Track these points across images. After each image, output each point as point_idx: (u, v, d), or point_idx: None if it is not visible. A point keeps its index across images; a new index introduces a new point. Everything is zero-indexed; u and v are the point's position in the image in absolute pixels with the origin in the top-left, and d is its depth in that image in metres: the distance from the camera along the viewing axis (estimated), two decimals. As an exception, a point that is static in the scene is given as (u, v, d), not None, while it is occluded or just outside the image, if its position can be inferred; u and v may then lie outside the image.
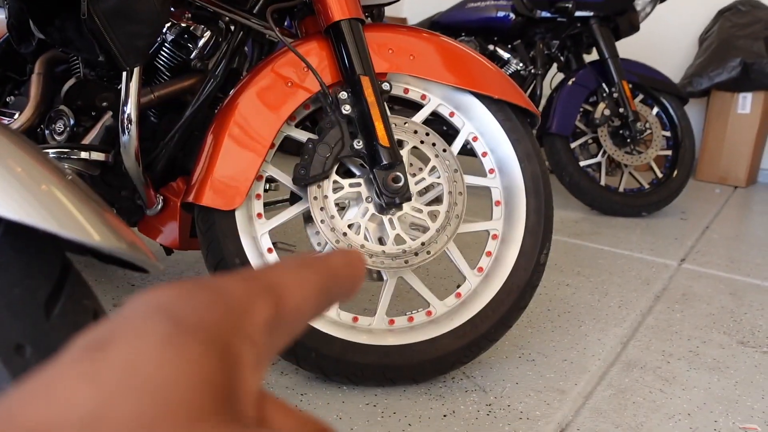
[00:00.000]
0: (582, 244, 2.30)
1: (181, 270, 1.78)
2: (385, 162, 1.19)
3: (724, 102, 3.49)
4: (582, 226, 2.54)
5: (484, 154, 1.34)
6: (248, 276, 0.20)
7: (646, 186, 2.82)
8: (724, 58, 3.38)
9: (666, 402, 1.26)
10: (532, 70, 2.79)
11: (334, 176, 1.22)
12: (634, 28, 2.81)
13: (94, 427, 0.14)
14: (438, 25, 3.05)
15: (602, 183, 2.73)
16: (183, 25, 1.38)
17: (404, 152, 1.24)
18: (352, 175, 1.28)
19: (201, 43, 1.40)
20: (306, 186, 1.21)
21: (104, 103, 1.31)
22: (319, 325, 1.20)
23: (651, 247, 2.29)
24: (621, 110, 2.67)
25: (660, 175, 2.85)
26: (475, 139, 1.33)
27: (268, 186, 1.35)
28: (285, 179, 1.25)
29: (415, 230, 1.27)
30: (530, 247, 1.29)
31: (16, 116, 1.37)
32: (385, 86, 1.25)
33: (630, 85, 2.70)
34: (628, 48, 3.06)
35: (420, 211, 1.25)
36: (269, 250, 1.23)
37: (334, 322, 1.23)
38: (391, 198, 1.20)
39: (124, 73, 1.18)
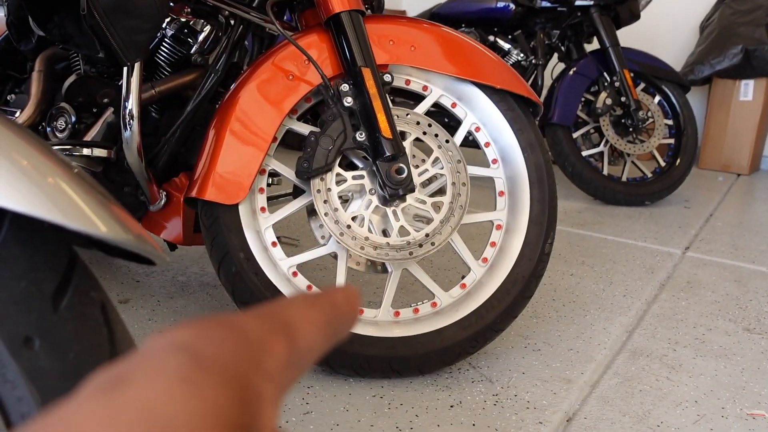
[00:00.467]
0: (586, 233, 2.30)
1: (185, 266, 1.78)
2: (387, 154, 1.19)
3: (726, 89, 3.47)
4: (585, 216, 2.53)
5: (487, 145, 1.33)
6: (263, 314, 0.20)
7: (649, 175, 2.81)
8: (725, 46, 3.36)
9: (673, 389, 1.26)
10: (533, 61, 2.78)
11: (337, 169, 1.22)
12: (634, 16, 2.80)
13: None
14: (438, 16, 3.04)
15: (605, 172, 2.73)
16: (183, 19, 1.38)
17: (407, 144, 1.24)
18: (355, 167, 1.28)
19: (201, 37, 1.39)
20: (309, 179, 1.20)
21: (105, 100, 1.31)
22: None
23: (655, 236, 2.28)
24: (623, 99, 2.66)
25: (663, 163, 2.84)
26: (477, 129, 1.33)
27: (271, 180, 1.35)
28: (288, 173, 1.25)
29: (419, 222, 1.26)
30: (535, 237, 1.29)
31: (17, 114, 1.37)
32: (387, 78, 1.24)
33: (631, 74, 2.69)
34: (629, 36, 3.05)
35: (423, 202, 1.24)
36: (273, 244, 1.23)
37: (340, 315, 1.22)
38: (395, 189, 1.20)
39: (125, 69, 1.18)
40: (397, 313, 1.25)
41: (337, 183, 1.22)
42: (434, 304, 1.27)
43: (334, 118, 1.21)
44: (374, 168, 1.21)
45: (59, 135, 1.31)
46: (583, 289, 1.77)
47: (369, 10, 1.58)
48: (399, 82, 1.30)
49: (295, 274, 1.23)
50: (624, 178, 2.76)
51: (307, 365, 0.21)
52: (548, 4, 2.73)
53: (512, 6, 2.79)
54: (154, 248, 0.42)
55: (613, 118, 2.73)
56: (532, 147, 1.31)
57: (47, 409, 0.16)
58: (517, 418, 1.14)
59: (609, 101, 2.67)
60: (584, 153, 2.71)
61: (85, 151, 1.27)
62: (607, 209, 2.66)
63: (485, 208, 1.31)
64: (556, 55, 2.93)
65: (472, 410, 1.16)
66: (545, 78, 2.83)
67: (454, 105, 1.32)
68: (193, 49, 1.39)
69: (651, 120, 2.71)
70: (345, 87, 1.21)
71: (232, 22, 1.38)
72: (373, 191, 1.24)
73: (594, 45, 2.75)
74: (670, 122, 2.83)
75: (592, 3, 2.65)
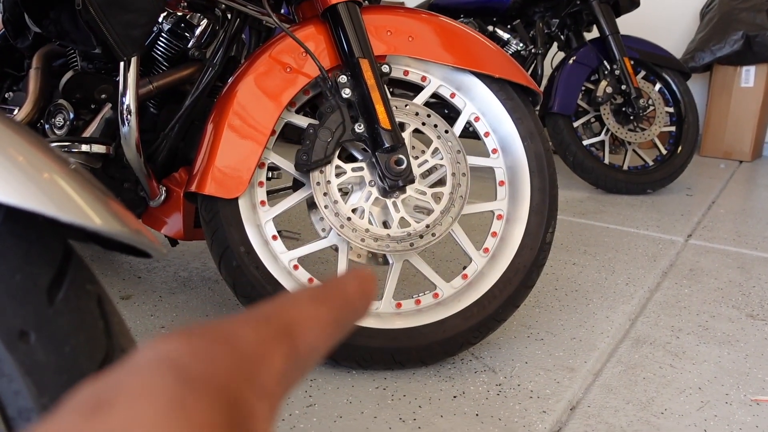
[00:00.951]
0: (587, 222, 2.29)
1: (187, 261, 1.78)
2: (387, 145, 1.18)
3: (727, 76, 3.46)
4: (587, 205, 2.53)
5: (487, 134, 1.33)
6: (262, 317, 0.19)
7: (651, 163, 2.80)
8: (726, 32, 3.34)
9: (676, 377, 1.26)
10: (533, 50, 2.77)
11: (337, 161, 1.22)
12: (634, 3, 2.79)
13: None
14: (437, 7, 3.02)
15: (606, 161, 2.72)
16: (179, 14, 1.37)
17: (406, 135, 1.24)
18: (354, 159, 1.27)
19: (198, 31, 1.39)
20: (308, 172, 1.20)
21: (103, 95, 1.31)
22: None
23: (657, 224, 2.28)
24: (623, 87, 2.65)
25: (664, 151, 2.83)
26: (477, 119, 1.32)
27: (271, 174, 1.35)
28: (287, 166, 1.24)
29: (419, 213, 1.26)
30: (536, 227, 1.28)
31: (15, 112, 1.37)
32: (385, 69, 1.24)
33: (632, 62, 2.68)
34: (628, 24, 3.03)
35: (424, 193, 1.24)
36: (274, 238, 1.23)
37: (342, 308, 1.22)
38: (394, 181, 1.19)
39: (122, 64, 1.17)
40: (399, 305, 1.25)
41: (337, 175, 1.22)
42: (436, 295, 1.27)
43: (333, 110, 1.21)
44: (374, 159, 1.21)
45: (58, 132, 1.31)
46: (586, 278, 1.76)
47: (366, 1, 1.58)
48: (397, 73, 1.29)
49: (296, 267, 1.23)
50: (625, 167, 2.75)
51: (310, 367, 0.20)
52: (547, -7, 2.71)
53: (511, -5, 2.77)
54: (151, 241, 0.42)
55: (613, 106, 2.72)
56: (532, 136, 1.30)
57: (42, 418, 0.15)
58: (521, 408, 1.14)
59: (609, 90, 2.65)
60: (585, 142, 2.70)
61: (84, 148, 1.27)
62: (609, 198, 2.65)
63: (486, 199, 1.31)
64: (555, 44, 2.91)
65: (475, 400, 1.16)
66: (545, 67, 2.82)
67: (453, 95, 1.32)
68: (190, 43, 1.38)
69: (652, 108, 2.70)
70: (343, 79, 1.21)
71: (229, 15, 1.37)
72: (372, 183, 1.23)
73: (594, 33, 2.74)
74: (671, 110, 2.82)
75: (591, -9, 2.64)
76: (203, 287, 1.62)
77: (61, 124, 1.32)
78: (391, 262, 1.26)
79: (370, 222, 1.22)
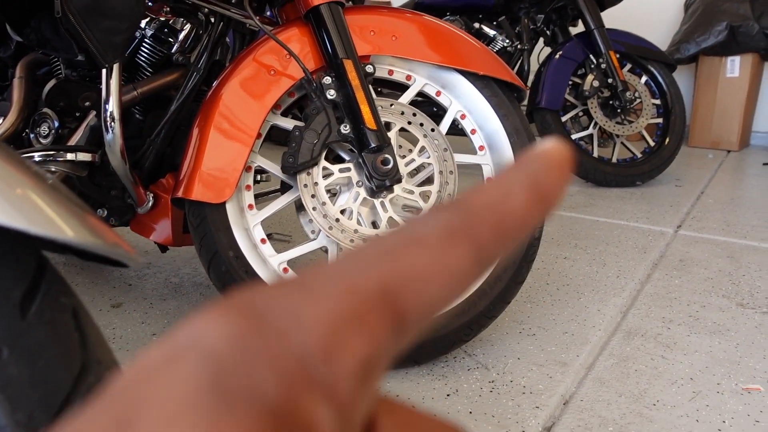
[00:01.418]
0: (578, 216, 2.30)
1: (178, 267, 1.77)
2: (373, 145, 1.18)
3: (713, 66, 3.47)
4: (577, 199, 2.53)
5: (473, 132, 1.33)
6: (355, 276, 0.13)
7: (639, 155, 2.81)
8: (710, 23, 3.36)
9: (668, 368, 1.26)
10: (519, 46, 2.77)
11: (324, 162, 1.22)
12: (618, -3, 2.79)
13: None
14: (423, 5, 3.02)
15: (595, 155, 2.73)
16: (162, 19, 1.37)
17: (392, 134, 1.23)
18: (341, 160, 1.27)
19: (182, 36, 1.38)
20: (295, 174, 1.20)
21: (87, 103, 1.30)
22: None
23: (647, 216, 2.29)
24: (610, 81, 2.66)
25: (652, 143, 2.84)
26: (463, 116, 1.32)
27: (259, 177, 1.34)
28: (274, 168, 1.24)
29: (408, 212, 1.26)
30: (524, 222, 1.28)
31: (0, 122, 1.36)
32: (369, 69, 1.24)
33: (617, 55, 2.68)
34: (613, 18, 3.04)
35: (411, 192, 1.24)
36: (263, 241, 1.23)
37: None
38: (382, 180, 1.19)
39: (104, 71, 1.17)
40: (390, 305, 1.25)
41: (324, 176, 1.22)
42: (427, 294, 1.26)
43: (318, 112, 1.21)
44: (360, 160, 1.21)
45: (43, 141, 1.30)
46: (577, 271, 1.77)
47: (350, 1, 1.58)
48: (382, 73, 1.29)
49: (285, 270, 1.23)
50: (614, 160, 2.76)
51: (416, 335, 0.14)
52: (531, -11, 2.72)
53: (495, -8, 2.77)
54: (127, 252, 0.41)
55: (601, 100, 2.73)
56: (518, 132, 1.30)
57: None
58: (514, 404, 1.15)
59: (596, 83, 2.66)
60: (574, 136, 2.71)
61: (69, 156, 1.26)
62: (599, 191, 2.66)
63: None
64: (541, 39, 2.92)
65: (468, 398, 1.17)
66: (532, 63, 2.82)
67: (438, 93, 1.32)
68: (174, 48, 1.38)
69: (638, 100, 2.71)
70: (327, 80, 1.20)
71: (213, 19, 1.37)
72: (360, 183, 1.23)
73: (579, 28, 2.74)
74: (658, 102, 2.83)
75: (575, -15, 2.64)
76: (195, 293, 1.61)
77: (46, 133, 1.31)
78: (380, 262, 1.25)
79: (359, 222, 1.22)
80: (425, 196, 1.24)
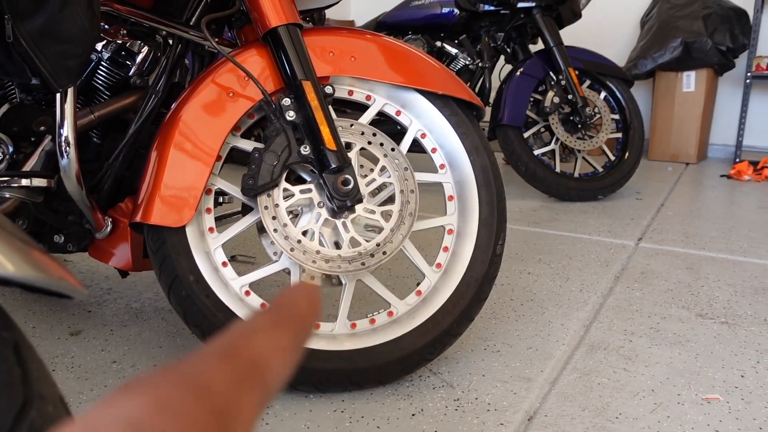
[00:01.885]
0: (541, 231, 2.32)
1: (139, 292, 1.74)
2: (333, 166, 1.18)
3: (669, 82, 3.57)
4: (540, 214, 2.56)
5: (434, 150, 1.34)
6: (227, 352, 0.17)
7: (600, 169, 2.87)
8: (665, 39, 3.46)
9: (630, 380, 1.28)
10: (480, 64, 2.81)
11: (284, 184, 1.21)
12: (576, 15, 2.86)
13: None
14: (384, 25, 3.06)
15: (557, 170, 2.77)
16: (119, 41, 1.35)
17: (353, 154, 1.24)
18: (302, 181, 1.27)
19: (139, 59, 1.37)
20: (256, 196, 1.19)
21: (42, 128, 1.28)
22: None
23: (609, 229, 2.33)
24: (570, 97, 2.71)
25: (612, 157, 2.90)
26: (423, 135, 1.33)
27: (221, 199, 1.33)
28: (234, 191, 1.23)
29: (370, 232, 1.26)
30: (485, 240, 1.30)
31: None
32: (328, 90, 1.24)
33: (576, 72, 2.74)
34: (572, 35, 3.11)
35: (373, 212, 1.24)
36: (224, 264, 1.21)
37: (296, 331, 1.21)
38: (343, 201, 1.19)
39: (58, 95, 1.15)
40: (353, 325, 1.24)
41: (285, 198, 1.21)
42: (390, 313, 1.27)
43: (278, 133, 1.20)
44: (321, 181, 1.21)
45: (-4, 166, 1.27)
46: (541, 286, 1.79)
47: (310, 23, 1.58)
48: (341, 93, 1.29)
49: (247, 293, 1.21)
50: (576, 174, 2.81)
51: (274, 395, 0.19)
52: (491, 8, 2.77)
53: (456, 11, 2.82)
54: (71, 284, 0.41)
55: (561, 116, 2.78)
56: (478, 150, 1.32)
57: None
58: (479, 422, 1.15)
59: (557, 100, 2.71)
60: (536, 152, 2.75)
61: (24, 182, 1.23)
62: (562, 206, 2.70)
63: (441, 213, 1.32)
64: (502, 57, 2.97)
65: (434, 417, 1.16)
66: (493, 80, 2.87)
67: (398, 113, 1.33)
68: (132, 71, 1.36)
69: (598, 116, 2.77)
70: (287, 101, 1.20)
71: (171, 41, 1.36)
72: (321, 204, 1.23)
73: (539, 46, 2.80)
74: (617, 117, 2.90)
75: (533, 4, 2.70)
76: (156, 318, 1.59)
77: (0, 158, 1.28)
78: (344, 282, 1.25)
79: (321, 243, 1.22)
80: (387, 216, 1.24)
